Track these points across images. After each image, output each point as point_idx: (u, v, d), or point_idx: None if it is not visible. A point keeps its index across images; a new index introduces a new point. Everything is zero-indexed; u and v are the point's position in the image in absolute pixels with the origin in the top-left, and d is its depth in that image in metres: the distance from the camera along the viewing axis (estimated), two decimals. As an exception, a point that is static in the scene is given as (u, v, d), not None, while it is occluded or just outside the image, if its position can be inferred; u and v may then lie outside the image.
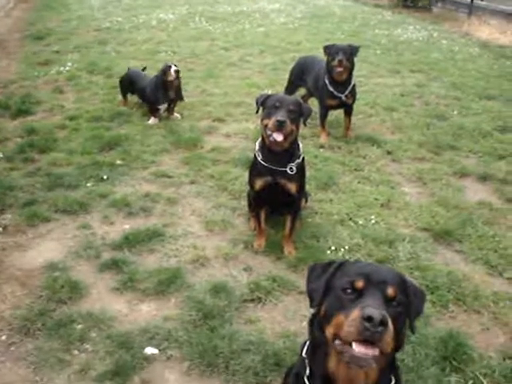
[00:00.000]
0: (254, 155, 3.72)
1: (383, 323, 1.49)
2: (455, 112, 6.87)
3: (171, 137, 5.68)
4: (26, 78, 7.87)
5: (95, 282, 3.41)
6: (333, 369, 1.70)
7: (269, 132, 3.44)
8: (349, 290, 1.64)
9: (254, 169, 3.70)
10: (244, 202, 4.32)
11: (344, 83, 5.61)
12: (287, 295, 3.36)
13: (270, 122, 3.40)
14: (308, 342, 1.88)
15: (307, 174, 3.96)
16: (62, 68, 8.22)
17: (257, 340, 2.91)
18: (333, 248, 3.79)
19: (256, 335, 2.96)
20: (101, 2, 15.31)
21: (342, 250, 3.78)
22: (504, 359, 2.92)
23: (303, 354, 1.87)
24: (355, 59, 5.72)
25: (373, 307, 1.52)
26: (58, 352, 2.83)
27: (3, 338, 2.94)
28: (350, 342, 1.55)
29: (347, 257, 3.71)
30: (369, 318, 1.49)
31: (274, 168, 3.54)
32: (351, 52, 5.56)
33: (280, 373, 2.67)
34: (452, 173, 5.20)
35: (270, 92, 7.32)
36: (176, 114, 6.37)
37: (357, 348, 1.53)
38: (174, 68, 5.97)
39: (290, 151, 3.58)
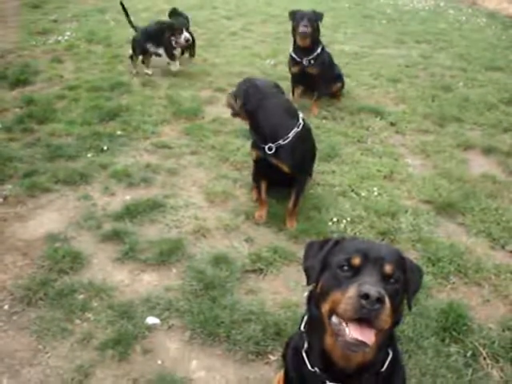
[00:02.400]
0: None
1: (380, 301, 1.48)
2: (461, 84, 6.79)
3: (172, 107, 5.61)
4: (23, 47, 7.74)
5: (96, 253, 3.40)
6: (329, 345, 1.70)
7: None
8: (345, 267, 1.63)
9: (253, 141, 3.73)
10: (245, 173, 4.29)
11: (308, 50, 5.50)
12: (288, 266, 3.35)
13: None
14: (306, 317, 1.87)
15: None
16: (60, 37, 8.09)
17: (258, 310, 2.92)
18: (335, 220, 3.78)
19: (257, 305, 2.97)
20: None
21: (344, 221, 3.77)
22: (503, 330, 2.94)
23: (302, 328, 1.87)
24: (320, 25, 5.60)
25: (370, 284, 1.51)
26: (60, 321, 2.84)
27: (6, 307, 2.95)
28: (347, 319, 1.54)
29: (349, 228, 3.70)
30: (365, 296, 1.48)
31: (261, 146, 3.55)
32: (316, 18, 5.46)
33: (281, 342, 2.69)
34: (456, 145, 5.15)
35: (272, 62, 7.24)
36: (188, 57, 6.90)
37: (351, 333, 1.53)
38: (184, 35, 6.19)
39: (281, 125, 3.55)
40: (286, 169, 3.55)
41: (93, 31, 8.43)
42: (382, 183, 4.36)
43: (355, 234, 3.65)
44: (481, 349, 2.78)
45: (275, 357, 2.68)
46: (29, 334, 2.77)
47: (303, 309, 2.78)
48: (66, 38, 8.08)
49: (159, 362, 2.65)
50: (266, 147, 3.50)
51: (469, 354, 2.75)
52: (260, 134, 3.55)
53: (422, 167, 4.74)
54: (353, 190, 4.21)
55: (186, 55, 7.03)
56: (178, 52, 6.55)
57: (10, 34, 8.52)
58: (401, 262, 1.70)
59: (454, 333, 2.86)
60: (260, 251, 3.41)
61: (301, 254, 3.35)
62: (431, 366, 2.66)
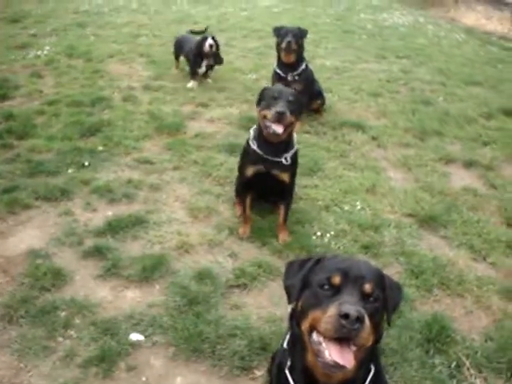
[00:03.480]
0: (247, 142, 3.69)
1: (360, 320, 1.50)
2: (441, 98, 6.91)
3: (154, 122, 5.59)
4: (2, 61, 7.65)
5: (78, 269, 3.35)
6: (310, 363, 1.71)
7: (268, 123, 3.41)
8: (326, 286, 1.65)
9: (247, 156, 3.68)
10: (228, 188, 4.29)
11: (292, 66, 5.56)
12: (273, 281, 3.35)
13: (270, 113, 3.36)
14: (288, 335, 1.87)
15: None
16: (39, 52, 8.01)
17: (243, 325, 2.90)
18: (318, 234, 3.79)
19: (242, 320, 2.95)
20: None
21: (328, 235, 3.78)
22: (486, 341, 2.97)
23: (285, 345, 1.87)
24: (305, 42, 5.71)
25: (349, 304, 1.53)
26: (42, 339, 2.78)
27: (-15, 326, 2.88)
28: (327, 338, 1.55)
29: (333, 242, 3.71)
30: (345, 315, 1.50)
31: (270, 158, 3.54)
32: (300, 35, 5.54)
33: (266, 357, 2.67)
34: (437, 159, 5.23)
35: (254, 76, 7.29)
36: (209, 80, 6.96)
37: (330, 355, 1.54)
38: (209, 42, 6.44)
39: (287, 142, 3.58)
40: (287, 179, 3.64)
41: (72, 45, 8.37)
42: (365, 197, 4.39)
43: (339, 248, 3.67)
44: (464, 359, 2.80)
45: (261, 372, 2.66)
46: (9, 353, 2.71)
47: (287, 323, 2.79)
48: (45, 52, 8.01)
49: (144, 379, 2.61)
50: (283, 159, 3.55)
51: (453, 365, 2.77)
52: (278, 144, 3.56)
53: (403, 181, 4.79)
54: (336, 204, 4.23)
55: (209, 80, 7.03)
56: (201, 71, 6.81)
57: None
58: (380, 280, 1.72)
59: (437, 344, 2.88)
60: (244, 266, 3.40)
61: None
62: (416, 378, 2.67)
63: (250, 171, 3.63)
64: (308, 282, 1.72)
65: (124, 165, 4.73)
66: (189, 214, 4.00)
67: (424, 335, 2.92)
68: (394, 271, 3.47)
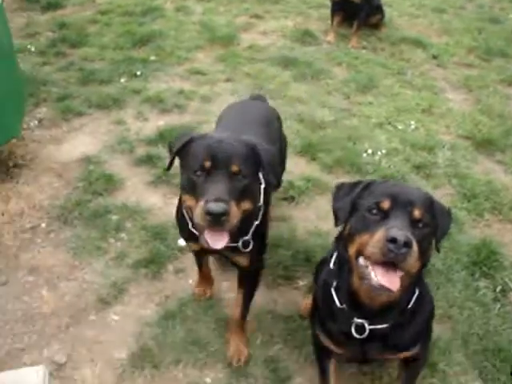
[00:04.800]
0: (180, 208, 2.20)
1: (407, 245, 1.47)
2: (510, 16, 6.42)
3: (206, 33, 5.47)
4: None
5: (130, 176, 3.44)
6: (356, 285, 1.71)
7: (197, 225, 1.83)
8: (374, 211, 1.61)
9: (183, 228, 2.18)
10: (280, 101, 4.19)
11: None
12: (321, 195, 3.33)
13: (198, 210, 1.74)
14: (335, 256, 1.87)
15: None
16: (93, -40, 7.84)
17: (288, 237, 2.94)
18: (369, 151, 3.71)
19: (288, 232, 2.98)
20: None
21: (379, 153, 3.69)
22: (535, 269, 2.90)
23: (331, 265, 1.87)
24: None
25: (397, 229, 1.50)
26: (95, 240, 2.92)
27: (43, 225, 3.03)
28: (373, 262, 1.54)
29: (384, 161, 3.63)
30: (393, 240, 1.47)
31: None
32: None
33: (310, 268, 2.71)
34: (500, 80, 4.95)
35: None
36: None
37: (377, 278, 1.53)
38: None
39: (243, 223, 1.94)
40: (245, 263, 2.23)
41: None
42: (420, 117, 4.23)
43: (389, 166, 3.59)
44: (510, 284, 2.76)
45: (304, 282, 2.72)
46: (65, 251, 2.86)
47: (334, 245, 2.79)
48: (99, -39, 7.83)
49: (190, 282, 2.71)
50: (240, 243, 2.09)
51: (498, 290, 2.74)
52: None
53: (462, 102, 4.57)
54: (389, 123, 4.10)
55: None
56: None
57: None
58: (430, 205, 1.67)
59: (484, 268, 2.84)
60: (293, 179, 3.39)
61: (333, 183, 3.36)
62: (459, 299, 2.66)
63: (192, 247, 2.28)
64: (356, 206, 1.69)
65: (176, 75, 4.70)
66: (239, 127, 3.97)
67: (471, 258, 2.88)
68: (445, 193, 3.40)
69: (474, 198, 3.37)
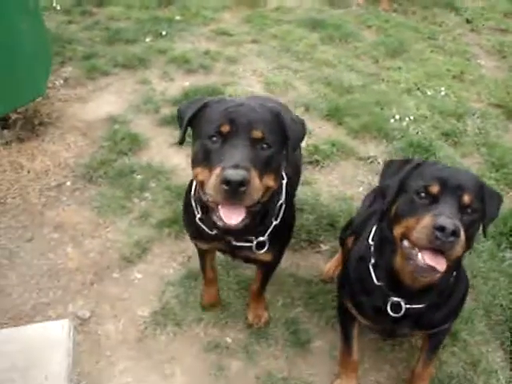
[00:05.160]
0: (187, 196, 2.03)
1: (455, 234, 1.43)
2: (549, -22, 6.12)
3: (233, -7, 5.36)
4: None
5: (154, 136, 3.43)
6: (398, 266, 1.68)
7: (211, 198, 1.56)
8: (423, 194, 1.57)
9: (190, 222, 2.00)
10: (307, 64, 4.12)
11: None
12: (346, 160, 3.29)
13: (212, 179, 1.51)
14: (375, 231, 1.83)
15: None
16: None
17: (312, 201, 2.91)
18: (397, 117, 3.63)
19: (312, 196, 2.96)
20: None
21: (407, 119, 3.61)
22: None
23: (369, 240, 1.84)
24: None
25: (446, 216, 1.45)
26: (119, 199, 2.93)
27: (68, 183, 3.06)
28: (419, 247, 1.50)
29: (411, 127, 3.55)
30: (441, 228, 1.42)
31: (230, 240, 1.88)
32: None
33: (333, 233, 2.70)
34: (537, 46, 4.75)
35: None
36: None
37: (423, 259, 1.49)
38: None
39: (261, 213, 1.81)
40: (267, 258, 2.03)
41: None
42: (451, 83, 4.11)
43: (417, 133, 3.51)
44: (538, 256, 2.71)
45: (326, 246, 2.71)
46: (90, 209, 2.89)
47: (358, 203, 2.77)
48: None
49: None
50: (254, 243, 1.89)
51: (524, 261, 2.68)
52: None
53: (495, 69, 4.43)
54: (418, 88, 4.00)
55: None
56: None
57: None
58: (480, 190, 1.61)
59: (511, 239, 2.78)
60: (318, 143, 3.35)
61: (359, 149, 3.34)
62: (484, 269, 2.62)
63: (201, 246, 2.10)
64: (405, 187, 1.64)
65: (201, 35, 4.64)
66: (265, 88, 3.92)
67: (498, 228, 2.82)
68: (473, 162, 3.32)
69: (502, 167, 3.29)
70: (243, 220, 1.53)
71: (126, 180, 3.05)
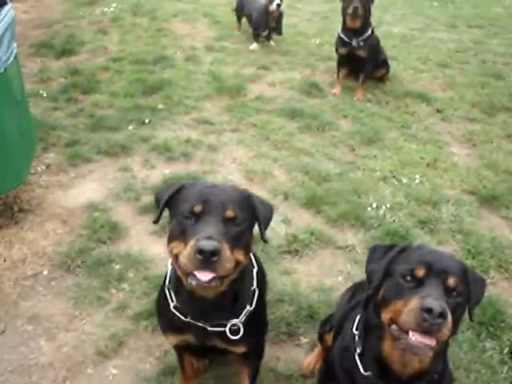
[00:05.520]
0: (161, 289, 2.07)
1: (443, 315, 1.46)
2: (513, 72, 6.52)
3: (214, 83, 5.58)
4: (70, 17, 7.82)
5: (134, 224, 3.44)
6: (387, 352, 1.68)
7: (185, 267, 1.64)
8: (409, 278, 1.61)
9: (163, 311, 2.04)
10: (285, 153, 4.24)
11: (358, 31, 5.34)
12: (324, 249, 3.32)
13: (187, 250, 1.62)
14: (359, 318, 1.84)
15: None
16: (106, 8, 8.13)
17: (291, 291, 2.91)
18: (374, 205, 3.71)
19: (291, 286, 2.95)
20: None
21: (384, 207, 3.69)
22: (543, 329, 2.84)
23: (354, 329, 1.84)
24: (372, 8, 5.47)
25: (433, 298, 1.49)
26: (96, 289, 2.89)
27: (45, 272, 3.02)
28: (407, 330, 1.52)
29: (388, 215, 3.63)
30: (428, 310, 1.46)
31: (201, 326, 1.89)
32: (368, 0, 5.31)
33: (313, 325, 2.68)
34: (504, 135, 4.99)
35: (318, 41, 7.08)
36: (271, 42, 6.93)
37: (414, 337, 1.51)
38: (276, 1, 6.37)
39: (233, 293, 1.89)
40: (240, 350, 2.04)
41: (138, 3, 8.44)
42: (425, 171, 4.25)
43: (394, 221, 3.58)
44: (518, 346, 2.71)
45: (306, 339, 2.67)
46: (66, 300, 2.84)
47: (338, 292, 2.77)
48: (111, 9, 8.12)
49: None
50: (227, 327, 1.91)
51: (505, 351, 2.67)
52: (217, 301, 1.87)
53: (467, 157, 4.60)
54: (394, 176, 4.12)
55: (272, 43, 6.96)
56: (264, 33, 6.76)
57: (58, 4, 8.63)
58: (464, 274, 1.66)
59: (491, 328, 2.79)
60: (297, 232, 3.38)
61: (338, 237, 3.37)
62: (465, 360, 2.60)
63: (172, 340, 2.06)
64: (391, 271, 1.68)
65: (183, 124, 4.77)
66: (245, 177, 4.00)
67: (477, 318, 2.82)
68: (449, 249, 3.37)
69: (478, 254, 3.34)
70: (215, 279, 1.62)
71: (104, 269, 3.03)
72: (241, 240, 1.71)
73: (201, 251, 1.54)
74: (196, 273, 1.60)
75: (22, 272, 3.01)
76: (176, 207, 1.77)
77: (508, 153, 4.65)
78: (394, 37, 7.54)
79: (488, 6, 9.83)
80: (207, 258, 1.55)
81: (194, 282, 1.62)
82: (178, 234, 1.69)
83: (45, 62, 6.09)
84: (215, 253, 1.55)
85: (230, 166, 4.14)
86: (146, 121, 4.71)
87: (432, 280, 1.58)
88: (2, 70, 2.98)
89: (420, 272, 1.59)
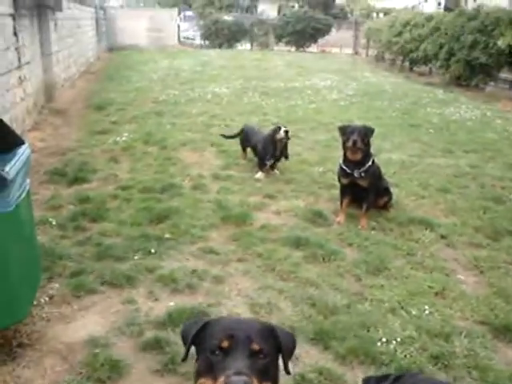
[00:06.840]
0: None
1: None
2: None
3: (221, 212, 5.69)
4: (84, 146, 8.22)
5: (136, 362, 3.32)
6: None
7: None
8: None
9: None
10: (291, 284, 4.21)
11: (359, 162, 5.54)
12: (334, 390, 3.16)
13: None
14: None
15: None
16: (118, 138, 8.56)
17: None
18: (384, 340, 3.59)
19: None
20: (160, 75, 16.17)
21: (394, 342, 3.57)
22: None
23: None
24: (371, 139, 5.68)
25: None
26: None
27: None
28: None
29: (399, 350, 3.50)
30: None
31: None
32: (366, 133, 5.55)
33: None
34: (511, 260, 4.94)
35: (321, 169, 7.33)
36: (276, 171, 7.06)
37: None
38: (283, 129, 6.60)
39: None
40: None
41: (150, 133, 8.89)
42: (434, 301, 4.17)
43: (405, 356, 3.45)
44: None
45: None
46: None
47: None
48: (124, 138, 8.54)
49: None
50: None
51: None
52: None
53: (475, 284, 4.54)
54: (402, 307, 4.03)
55: (276, 171, 7.17)
56: (269, 162, 6.91)
57: (74, 132, 9.12)
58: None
59: None
60: (305, 372, 3.25)
61: (347, 376, 3.23)
62: None
63: None
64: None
65: (189, 254, 4.78)
66: (250, 310, 3.92)
67: None
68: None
69: (499, 393, 3.18)
70: None
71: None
72: (268, 372, 1.79)
73: None
74: None
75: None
76: (203, 344, 1.86)
77: (517, 279, 4.60)
78: (393, 163, 7.80)
79: (481, 131, 10.26)
80: None
81: None
82: (206, 370, 1.78)
83: (57, 189, 6.28)
84: None
85: (236, 299, 4.07)
86: (152, 250, 4.74)
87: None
88: (12, 208, 3.06)
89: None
